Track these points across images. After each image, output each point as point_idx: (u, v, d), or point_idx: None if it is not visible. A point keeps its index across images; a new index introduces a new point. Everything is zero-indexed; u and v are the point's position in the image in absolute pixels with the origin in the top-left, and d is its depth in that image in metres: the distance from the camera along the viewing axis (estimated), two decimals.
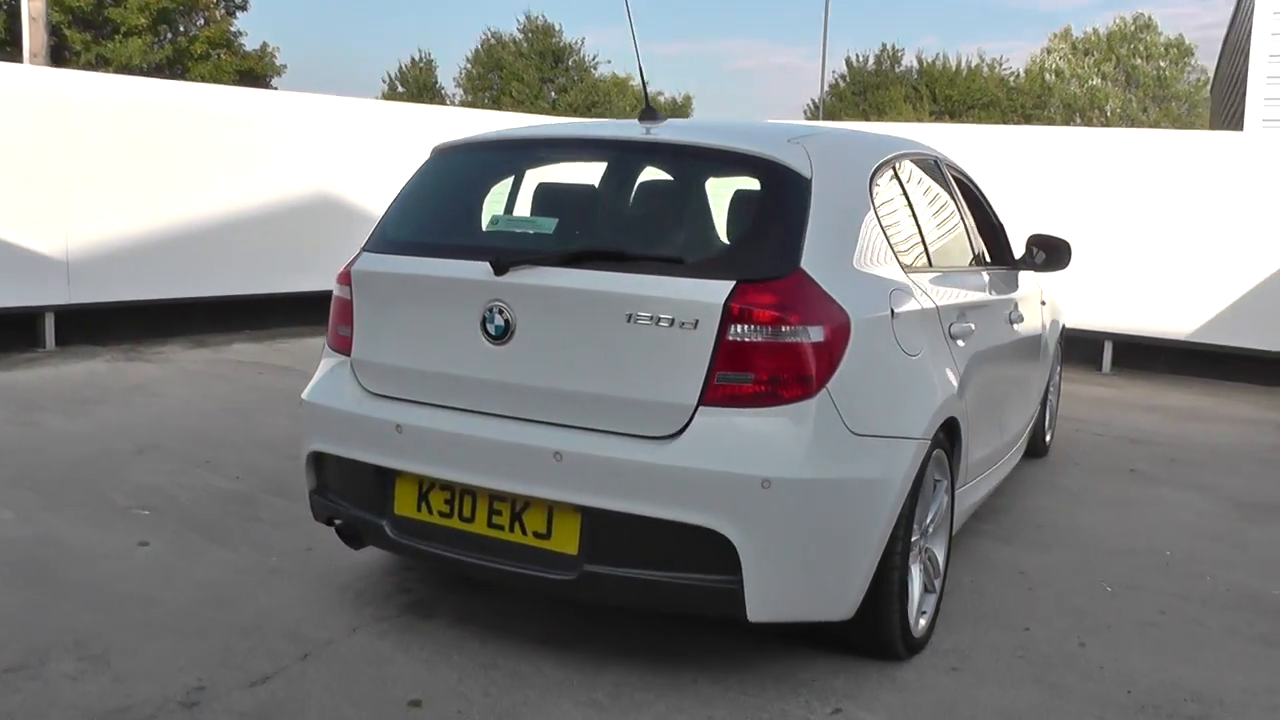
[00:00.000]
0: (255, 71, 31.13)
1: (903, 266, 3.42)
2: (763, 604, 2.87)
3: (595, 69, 43.25)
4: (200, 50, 30.33)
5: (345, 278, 3.46)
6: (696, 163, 3.46)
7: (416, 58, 43.40)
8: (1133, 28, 44.02)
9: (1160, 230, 9.02)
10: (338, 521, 3.45)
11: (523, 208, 3.70)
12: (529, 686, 3.09)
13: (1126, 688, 3.27)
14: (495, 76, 41.81)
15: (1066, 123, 41.99)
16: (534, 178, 3.71)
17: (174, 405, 6.46)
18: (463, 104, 39.62)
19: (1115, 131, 11.71)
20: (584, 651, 3.34)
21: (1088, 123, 42.20)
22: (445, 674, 3.15)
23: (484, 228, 3.47)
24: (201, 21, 31.10)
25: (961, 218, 4.42)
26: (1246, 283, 8.82)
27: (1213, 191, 8.85)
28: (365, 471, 3.31)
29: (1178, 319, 9.04)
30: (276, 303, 9.36)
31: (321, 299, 9.82)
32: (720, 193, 3.50)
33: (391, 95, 40.78)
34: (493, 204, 3.59)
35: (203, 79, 27.28)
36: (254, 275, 9.16)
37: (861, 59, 48.29)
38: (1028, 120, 42.26)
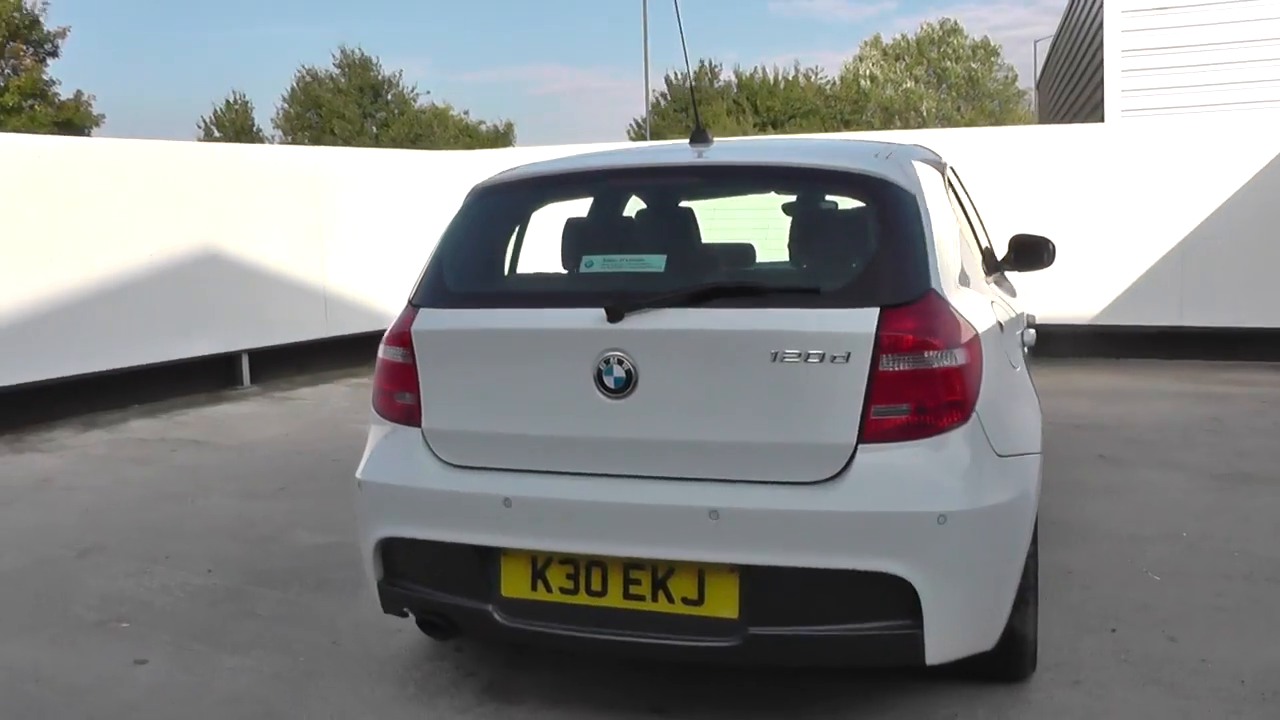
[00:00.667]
0: (73, 122, 29.10)
1: (983, 277, 3.34)
2: (940, 646, 2.72)
3: (415, 100, 42.56)
4: (12, 102, 28.24)
5: (401, 339, 3.11)
6: (801, 185, 3.29)
7: (231, 100, 41.85)
8: (940, 32, 46.33)
9: (1038, 222, 9.35)
10: (419, 613, 3.12)
11: (604, 244, 3.42)
12: None
13: (1239, 678, 3.28)
14: (314, 115, 40.59)
15: (885, 126, 43.68)
16: (608, 210, 3.47)
17: (94, 498, 5.86)
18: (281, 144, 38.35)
19: (985, 130, 12.13)
20: (706, 715, 3.11)
21: (905, 124, 44.03)
22: None
23: (580, 269, 3.20)
24: (9, 71, 28.99)
25: (971, 222, 4.41)
26: (1130, 264, 9.28)
27: (1084, 181, 9.30)
28: (459, 554, 2.99)
29: (1076, 304, 9.39)
30: (164, 371, 8.69)
31: (216, 362, 9.48)
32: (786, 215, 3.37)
33: (208, 139, 39.11)
34: (571, 244, 3.33)
35: (17, 132, 25.46)
36: (138, 344, 8.47)
37: (681, 76, 49.06)
38: (847, 126, 43.78)
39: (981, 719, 3.06)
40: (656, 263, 3.06)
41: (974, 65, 45.25)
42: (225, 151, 10.12)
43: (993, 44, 45.94)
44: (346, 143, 37.13)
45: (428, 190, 11.07)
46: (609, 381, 2.80)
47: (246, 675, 3.53)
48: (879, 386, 2.67)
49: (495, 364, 3.00)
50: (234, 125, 40.38)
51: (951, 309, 2.81)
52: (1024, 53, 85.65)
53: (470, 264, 3.26)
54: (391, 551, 3.13)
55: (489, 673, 3.45)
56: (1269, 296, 8.84)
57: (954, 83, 45.99)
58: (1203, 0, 11.16)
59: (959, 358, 2.73)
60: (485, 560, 2.96)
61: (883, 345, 2.67)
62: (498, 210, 3.36)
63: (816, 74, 48.09)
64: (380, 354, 3.21)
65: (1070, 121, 16.42)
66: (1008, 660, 3.12)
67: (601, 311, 2.79)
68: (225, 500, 5.70)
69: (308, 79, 41.51)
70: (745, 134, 38.10)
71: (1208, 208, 8.99)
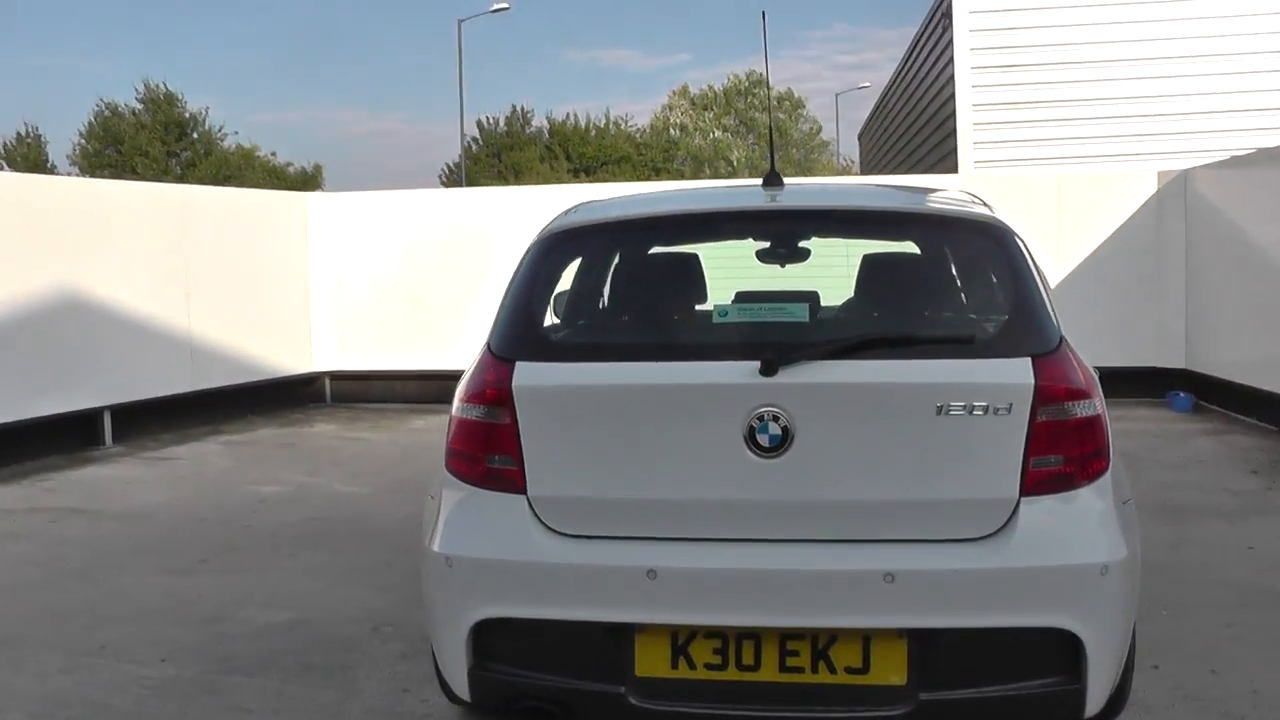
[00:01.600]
0: None
1: None
2: (1096, 697, 2.60)
3: (223, 140, 40.71)
4: None
5: (496, 396, 2.73)
6: (916, 230, 3.12)
7: (23, 132, 38.88)
8: (746, 84, 47.92)
9: None
10: (524, 702, 2.73)
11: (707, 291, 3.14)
12: None
13: None
14: (114, 151, 38.17)
15: (695, 174, 44.73)
16: (712, 258, 3.19)
17: None
18: None
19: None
20: None
21: (715, 173, 45.18)
22: None
23: (713, 319, 2.90)
24: None
25: None
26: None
27: None
28: (584, 632, 2.64)
29: None
30: (15, 433, 7.72)
31: (72, 420, 8.53)
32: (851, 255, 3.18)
33: None
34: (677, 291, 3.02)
35: None
36: None
37: (492, 121, 48.91)
38: (657, 174, 44.60)
39: None
40: (800, 312, 2.83)
41: (781, 116, 46.95)
42: (82, 187, 9.26)
43: (797, 95, 47.89)
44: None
45: (301, 231, 10.47)
46: (763, 440, 2.57)
47: None
48: (1037, 437, 2.58)
49: (623, 423, 2.68)
50: (26, 160, 37.53)
51: (1080, 358, 2.74)
52: (819, 104, 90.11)
53: (573, 311, 2.93)
54: (486, 634, 2.73)
55: None
56: (1125, 339, 9.32)
57: (762, 133, 47.56)
58: (1048, 61, 11.83)
59: (1098, 406, 2.68)
60: (617, 638, 2.63)
61: (1042, 396, 2.58)
62: (591, 253, 3.06)
63: (627, 122, 48.93)
64: (458, 412, 2.83)
65: (899, 171, 17.12)
66: (1113, 708, 3.01)
67: (753, 365, 2.57)
68: (142, 577, 5.03)
69: (107, 113, 39.07)
70: (560, 180, 38.21)
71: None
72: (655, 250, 3.29)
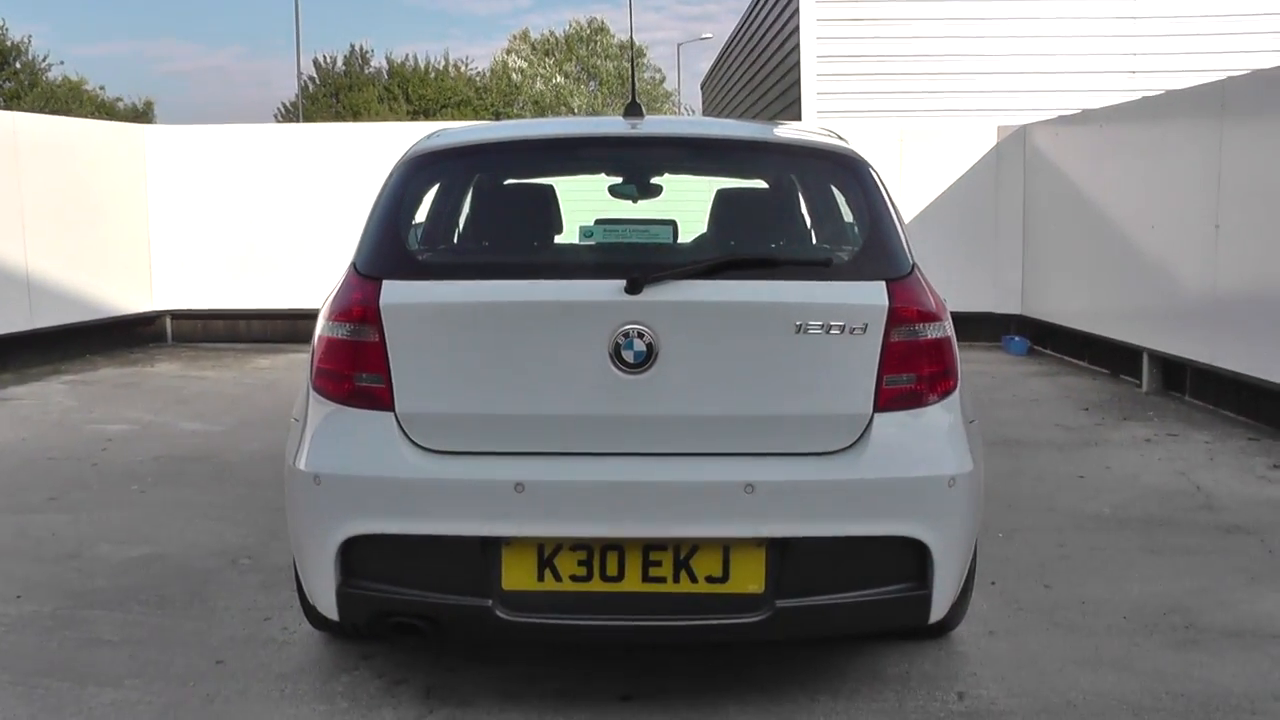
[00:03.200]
0: None
1: None
2: (940, 604, 2.77)
3: (47, 71, 37.94)
4: None
5: (363, 314, 2.71)
6: (776, 159, 3.19)
7: None
8: (588, 30, 47.33)
9: None
10: (393, 617, 2.75)
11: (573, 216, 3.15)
12: None
13: (1120, 614, 3.60)
14: None
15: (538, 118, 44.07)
16: (573, 183, 3.19)
17: None
18: None
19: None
20: (681, 699, 2.99)
21: (558, 117, 44.67)
22: None
23: (579, 239, 2.92)
24: None
25: None
26: None
27: None
28: (451, 547, 2.67)
29: None
30: None
31: None
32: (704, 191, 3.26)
33: None
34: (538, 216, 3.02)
35: None
36: None
37: (330, 60, 47.04)
38: (498, 118, 43.80)
39: (930, 673, 3.16)
40: (664, 234, 2.90)
41: (625, 64, 46.61)
42: None
43: (639, 44, 47.63)
44: None
45: (139, 165, 9.95)
46: (628, 356, 2.62)
47: (133, 710, 2.98)
48: (890, 357, 2.70)
49: (490, 340, 2.70)
50: None
51: (930, 284, 2.88)
52: (662, 54, 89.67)
53: (437, 232, 2.92)
54: (355, 551, 2.73)
55: (421, 678, 3.13)
56: (964, 285, 9.57)
57: (604, 80, 47.18)
58: (893, 16, 12.12)
59: (947, 329, 2.83)
60: (484, 552, 2.67)
61: (895, 317, 2.71)
62: (455, 176, 3.04)
63: (467, 65, 47.84)
64: (325, 331, 2.80)
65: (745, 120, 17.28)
66: (954, 617, 3.23)
67: (619, 283, 2.61)
68: None
69: None
70: (400, 121, 37.14)
71: None
72: (514, 180, 3.29)
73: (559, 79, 46.58)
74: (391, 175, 3.01)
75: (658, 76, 48.22)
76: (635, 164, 3.32)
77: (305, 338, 11.86)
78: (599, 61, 47.85)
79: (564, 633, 2.73)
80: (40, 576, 4.03)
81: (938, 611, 2.78)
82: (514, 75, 47.30)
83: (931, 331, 2.77)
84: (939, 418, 2.79)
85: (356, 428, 2.74)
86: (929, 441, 2.77)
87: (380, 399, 2.71)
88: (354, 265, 2.85)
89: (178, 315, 10.69)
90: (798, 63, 12.49)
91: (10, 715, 2.97)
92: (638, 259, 2.84)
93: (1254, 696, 3.06)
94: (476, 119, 42.13)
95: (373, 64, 47.64)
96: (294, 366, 9.44)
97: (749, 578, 2.65)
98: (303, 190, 10.40)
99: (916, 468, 2.73)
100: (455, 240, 3.06)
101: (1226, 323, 6.53)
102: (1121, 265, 7.89)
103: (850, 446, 2.70)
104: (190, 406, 7.48)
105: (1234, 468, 5.51)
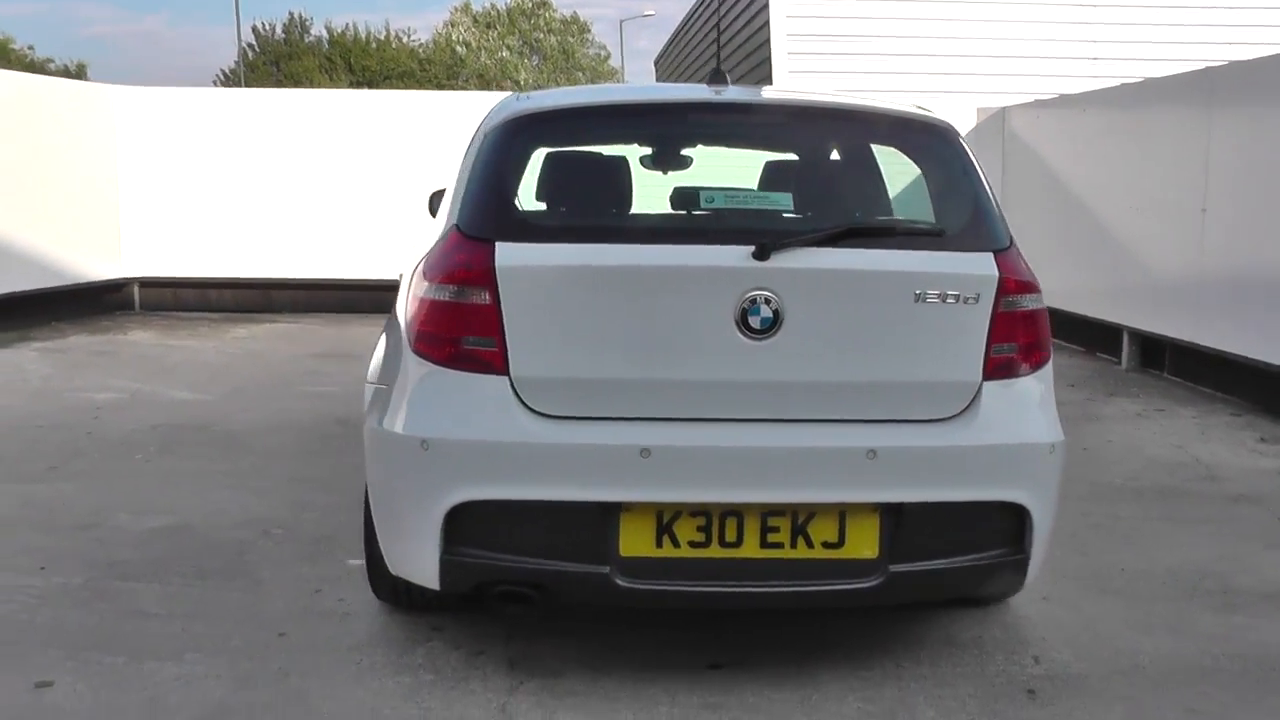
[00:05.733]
0: None
1: None
2: (1034, 570, 2.79)
3: None
4: None
5: (472, 275, 2.61)
6: (876, 129, 3.12)
7: None
8: (531, 4, 46.69)
9: None
10: (500, 585, 2.66)
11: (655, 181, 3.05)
12: (766, 714, 2.67)
13: (1160, 581, 3.64)
14: None
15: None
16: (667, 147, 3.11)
17: None
18: None
19: None
20: (768, 667, 2.95)
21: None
22: None
23: (701, 205, 2.84)
24: None
25: None
26: None
27: None
28: (568, 514, 2.58)
29: None
30: None
31: None
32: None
33: None
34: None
35: None
36: None
37: (268, 27, 45.83)
38: (443, 90, 43.13)
39: (1001, 639, 3.17)
40: (784, 201, 2.84)
41: (570, 39, 46.17)
42: None
43: (582, 19, 47.13)
44: None
45: (108, 128, 9.57)
46: (754, 322, 2.58)
47: (203, 685, 2.84)
48: (997, 326, 2.72)
49: (612, 304, 2.62)
50: None
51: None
52: (599, 30, 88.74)
53: (548, 196, 2.83)
54: (461, 518, 2.61)
55: (499, 649, 3.03)
56: None
57: (548, 54, 46.66)
58: None
59: (1042, 301, 2.84)
60: (602, 518, 2.59)
61: (1004, 288, 2.72)
62: (554, 139, 2.98)
63: (408, 36, 46.99)
64: (427, 293, 2.68)
65: None
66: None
67: (746, 249, 2.56)
68: None
69: None
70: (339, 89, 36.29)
71: None
72: (616, 145, 3.21)
73: (504, 53, 45.98)
74: (486, 137, 2.89)
75: (603, 53, 47.84)
76: (739, 131, 3.23)
77: (280, 308, 11.67)
78: (541, 36, 47.30)
79: (682, 599, 2.68)
80: (60, 547, 3.83)
81: (1032, 575, 2.79)
82: (459, 48, 46.57)
83: (1031, 303, 2.79)
84: (1035, 387, 2.81)
85: (467, 391, 2.63)
86: (1029, 410, 2.79)
87: (492, 362, 2.61)
88: (456, 226, 2.73)
89: (146, 283, 10.33)
90: (767, 39, 12.41)
91: (72, 692, 2.82)
92: (757, 225, 2.80)
93: None
94: (420, 90, 41.43)
95: (312, 33, 46.59)
96: (275, 336, 9.19)
97: (864, 543, 2.64)
98: (278, 157, 10.10)
99: (1022, 435, 2.74)
100: (558, 203, 2.96)
101: (1211, 302, 6.64)
102: (1102, 246, 7.98)
103: (961, 413, 2.71)
104: (176, 375, 7.22)
105: (1226, 441, 5.62)
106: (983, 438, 2.68)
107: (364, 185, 10.34)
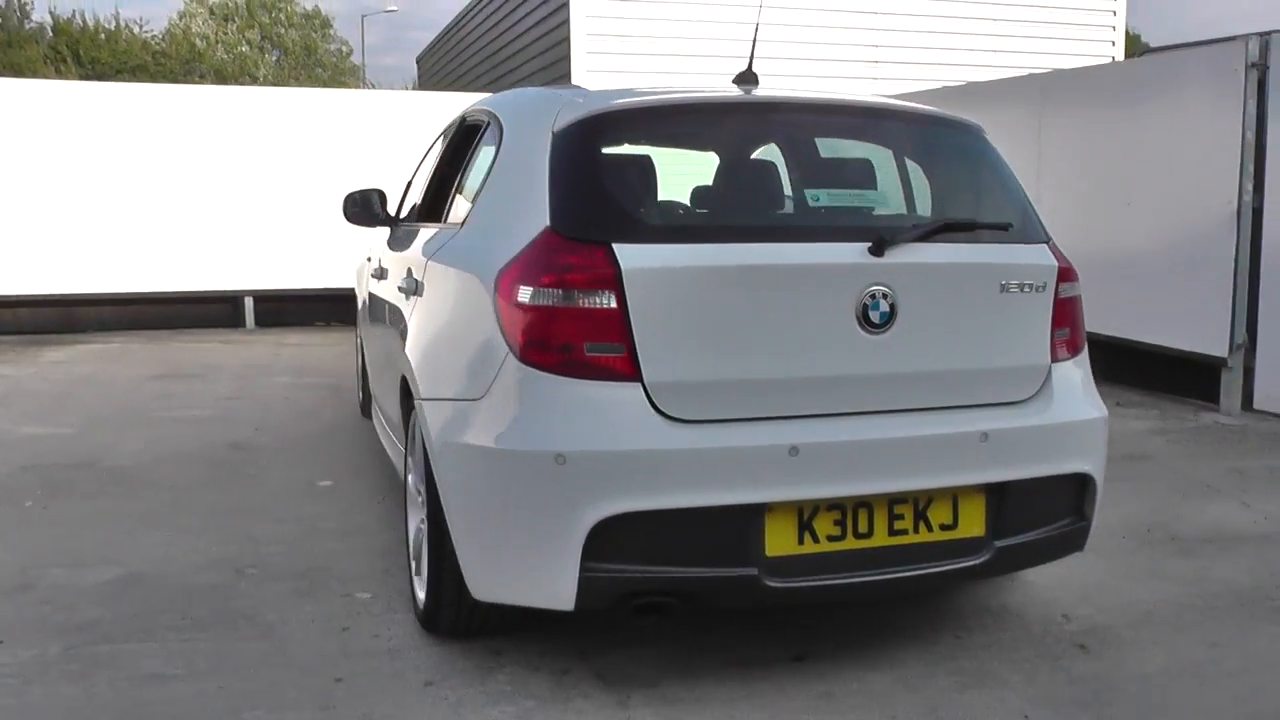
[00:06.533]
0: None
1: None
2: (1091, 534, 3.01)
3: None
4: None
5: (602, 279, 2.49)
6: (931, 130, 3.19)
7: None
8: None
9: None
10: (643, 597, 2.58)
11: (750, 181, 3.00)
12: (872, 704, 2.74)
13: (1119, 535, 4.00)
14: None
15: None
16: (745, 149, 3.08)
17: None
18: None
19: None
20: (849, 652, 3.02)
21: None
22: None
23: (809, 204, 2.84)
24: None
25: None
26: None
27: None
28: (710, 519, 2.53)
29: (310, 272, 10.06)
30: None
31: None
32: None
33: None
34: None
35: None
36: None
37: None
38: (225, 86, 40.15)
39: (1024, 602, 3.40)
40: (879, 199, 2.91)
41: (312, 34, 44.09)
42: None
43: (324, 14, 45.03)
44: None
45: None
46: (874, 316, 2.65)
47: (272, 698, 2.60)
48: (1057, 312, 2.93)
49: (739, 305, 2.59)
50: None
51: None
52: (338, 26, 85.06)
53: (630, 195, 2.76)
54: (602, 533, 2.50)
55: (578, 665, 2.93)
56: None
57: (290, 50, 44.40)
58: None
59: (1080, 288, 3.05)
60: (748, 520, 2.56)
61: (1061, 276, 2.94)
62: (644, 137, 2.97)
63: (141, 26, 43.59)
64: (532, 300, 2.55)
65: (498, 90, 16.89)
66: None
67: (862, 246, 2.64)
68: None
69: None
70: (70, 81, 33.22)
71: None
72: (709, 144, 3.19)
73: (244, 48, 43.43)
74: (563, 136, 2.77)
75: (345, 49, 45.99)
76: (819, 130, 3.23)
77: (85, 326, 10.75)
78: (282, 30, 44.97)
79: (825, 593, 2.70)
80: (4, 617, 3.32)
81: (1088, 541, 3.01)
82: (197, 42, 43.61)
83: (1077, 290, 3.02)
84: (1082, 367, 3.06)
85: (598, 400, 2.52)
86: (1085, 388, 3.04)
87: (621, 369, 2.52)
88: (550, 228, 2.61)
89: None
90: (567, 37, 12.42)
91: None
92: (863, 223, 2.89)
93: (1257, 589, 3.52)
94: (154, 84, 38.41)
95: (34, 18, 42.29)
96: (97, 359, 8.36)
97: (973, 522, 2.77)
98: (88, 156, 9.18)
99: (1085, 411, 2.97)
100: (663, 204, 2.88)
101: None
102: None
103: (1036, 394, 2.90)
104: (10, 407, 6.45)
105: None
106: (1059, 415, 2.89)
107: (184, 187, 9.63)
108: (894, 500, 2.69)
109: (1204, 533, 4.07)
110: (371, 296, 4.73)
